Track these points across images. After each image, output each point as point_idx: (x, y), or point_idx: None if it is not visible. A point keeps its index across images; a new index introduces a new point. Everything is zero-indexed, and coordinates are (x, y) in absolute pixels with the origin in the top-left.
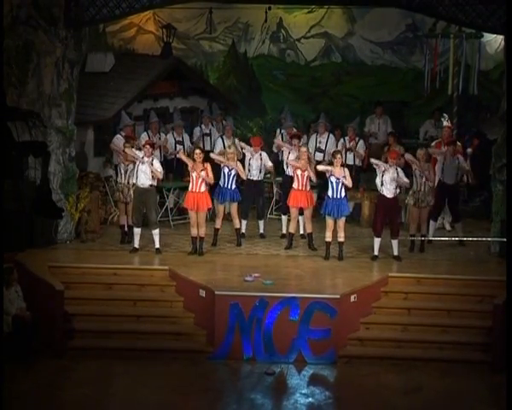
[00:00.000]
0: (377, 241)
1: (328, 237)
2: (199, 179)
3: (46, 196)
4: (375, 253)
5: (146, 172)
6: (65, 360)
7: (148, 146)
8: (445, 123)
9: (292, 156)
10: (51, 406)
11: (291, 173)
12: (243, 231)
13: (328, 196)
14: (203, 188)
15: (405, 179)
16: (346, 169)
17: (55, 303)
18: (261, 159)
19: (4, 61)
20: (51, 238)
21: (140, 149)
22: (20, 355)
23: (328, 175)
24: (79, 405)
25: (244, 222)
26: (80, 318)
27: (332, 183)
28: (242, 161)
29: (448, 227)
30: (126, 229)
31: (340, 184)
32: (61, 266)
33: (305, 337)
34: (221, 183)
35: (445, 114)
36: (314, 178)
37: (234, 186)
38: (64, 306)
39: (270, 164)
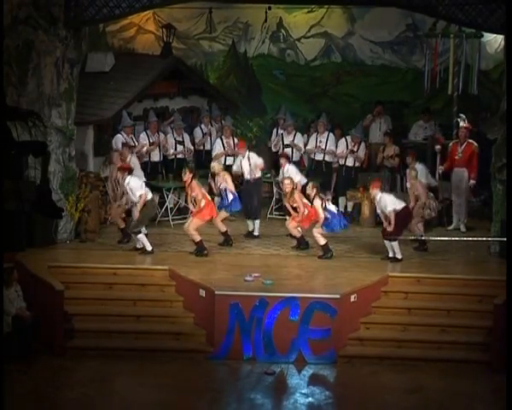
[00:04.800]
0: (395, 244)
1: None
2: (193, 200)
3: (46, 196)
4: (390, 254)
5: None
6: (65, 360)
7: (122, 169)
8: (462, 123)
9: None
10: (51, 406)
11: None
12: (257, 233)
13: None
14: (203, 203)
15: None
16: (316, 202)
17: (54, 303)
18: (249, 159)
19: (4, 61)
20: (51, 238)
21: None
22: (20, 355)
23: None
24: (79, 405)
25: (257, 222)
26: (80, 318)
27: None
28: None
29: (463, 228)
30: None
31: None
32: (61, 265)
33: (305, 337)
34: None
35: (461, 115)
36: (302, 208)
37: (231, 198)
38: (64, 306)
39: (259, 162)
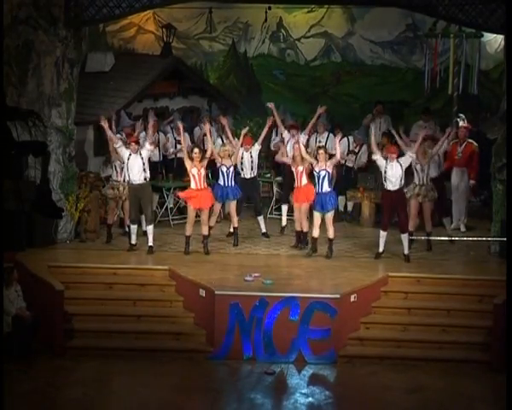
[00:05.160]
0: (383, 235)
1: (315, 233)
2: (201, 176)
3: (46, 196)
4: (380, 249)
5: (137, 166)
6: (65, 360)
7: (133, 144)
8: (461, 123)
9: (290, 147)
10: (51, 406)
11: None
12: (264, 230)
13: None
14: (205, 184)
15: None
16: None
17: (54, 303)
18: (251, 156)
19: (4, 61)
20: (51, 238)
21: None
22: (20, 355)
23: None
24: (79, 405)
25: (261, 218)
26: (80, 318)
27: (315, 177)
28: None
29: (463, 228)
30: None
31: (322, 178)
32: (61, 265)
33: (305, 337)
34: (221, 182)
35: (461, 114)
36: (313, 162)
37: (234, 183)
38: (64, 306)
39: (255, 157)
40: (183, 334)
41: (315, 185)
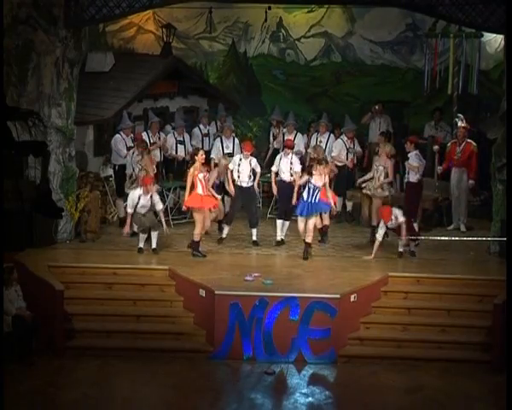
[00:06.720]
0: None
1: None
2: (207, 181)
3: (46, 196)
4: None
5: (146, 206)
6: (65, 360)
7: (148, 185)
8: (460, 123)
9: (283, 163)
10: (51, 406)
11: (285, 179)
12: (224, 236)
13: (303, 199)
14: (209, 190)
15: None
16: (326, 177)
17: (54, 303)
18: (250, 164)
19: (4, 61)
20: (51, 238)
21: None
22: (20, 355)
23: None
24: (79, 405)
25: (227, 228)
26: (80, 318)
27: (309, 188)
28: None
29: (463, 228)
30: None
31: (317, 190)
32: (61, 265)
33: (305, 337)
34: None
35: (459, 115)
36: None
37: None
38: (64, 306)
39: (258, 170)
40: (183, 334)
41: (308, 195)
